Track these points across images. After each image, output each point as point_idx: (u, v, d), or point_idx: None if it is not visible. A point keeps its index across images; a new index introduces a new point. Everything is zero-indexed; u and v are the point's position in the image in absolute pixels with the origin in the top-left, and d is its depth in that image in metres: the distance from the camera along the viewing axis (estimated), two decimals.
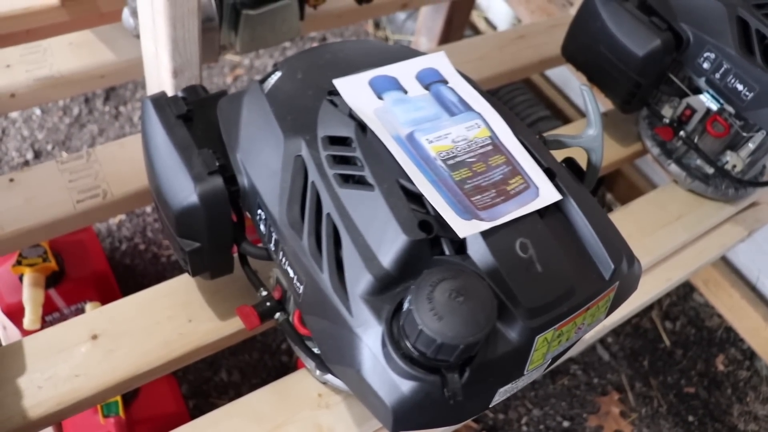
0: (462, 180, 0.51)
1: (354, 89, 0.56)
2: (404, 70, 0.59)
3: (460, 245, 0.49)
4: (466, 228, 0.48)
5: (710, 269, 1.42)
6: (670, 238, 0.95)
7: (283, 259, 0.54)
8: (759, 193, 1.05)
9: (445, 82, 0.60)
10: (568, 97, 1.69)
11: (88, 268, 1.11)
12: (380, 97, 0.56)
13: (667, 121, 0.96)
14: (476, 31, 1.90)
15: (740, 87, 0.84)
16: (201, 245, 0.60)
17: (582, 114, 1.65)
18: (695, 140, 0.95)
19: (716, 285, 1.44)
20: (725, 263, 1.47)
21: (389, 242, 0.47)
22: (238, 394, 1.21)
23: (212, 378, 1.27)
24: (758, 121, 0.85)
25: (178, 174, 0.58)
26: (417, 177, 0.50)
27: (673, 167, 0.99)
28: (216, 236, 0.60)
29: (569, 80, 1.68)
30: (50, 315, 1.09)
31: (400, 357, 0.44)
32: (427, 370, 0.45)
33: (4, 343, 1.09)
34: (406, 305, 0.44)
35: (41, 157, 1.52)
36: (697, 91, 0.91)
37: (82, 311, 1.09)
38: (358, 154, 0.52)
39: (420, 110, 0.56)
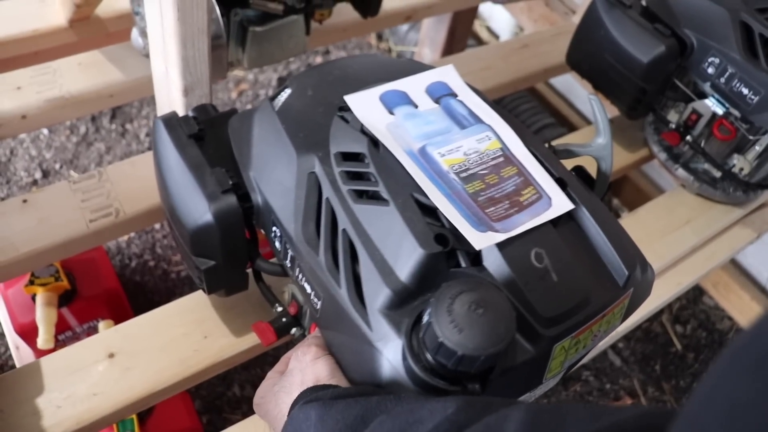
0: (475, 192, 0.51)
1: (365, 105, 0.57)
2: (414, 85, 0.60)
3: (475, 257, 0.49)
4: (481, 240, 0.48)
5: (720, 272, 1.42)
6: (679, 242, 0.95)
7: (300, 275, 0.54)
8: (767, 195, 1.05)
9: (454, 95, 0.60)
10: (572, 105, 1.70)
11: (100, 287, 1.12)
12: (391, 112, 0.57)
13: (673, 126, 0.96)
14: (479, 41, 1.91)
15: (745, 91, 0.85)
16: (216, 263, 0.60)
17: (587, 120, 1.65)
18: (702, 144, 0.95)
19: (726, 287, 1.44)
20: (734, 266, 1.47)
21: (406, 256, 0.47)
22: (252, 409, 1.21)
23: (225, 393, 1.27)
24: (764, 124, 0.86)
25: (192, 193, 0.58)
26: (431, 191, 0.50)
27: (681, 172, 0.99)
28: (231, 254, 0.60)
29: (573, 88, 1.69)
30: (63, 334, 1.09)
31: (420, 369, 0.45)
32: (448, 381, 0.45)
33: (17, 363, 1.10)
34: (425, 318, 0.44)
35: (49, 176, 1.53)
36: (703, 95, 0.91)
37: (94, 329, 1.10)
38: (371, 170, 0.52)
39: (431, 124, 0.56)
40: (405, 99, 0.58)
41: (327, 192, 0.53)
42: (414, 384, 0.46)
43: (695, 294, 1.56)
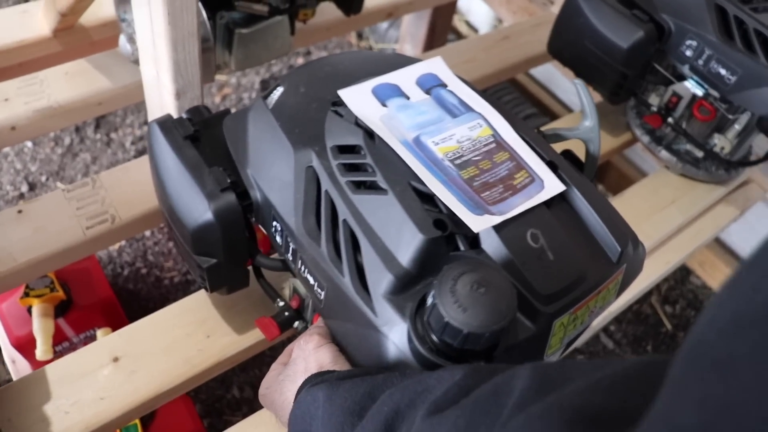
0: (470, 178, 0.53)
1: (358, 98, 0.58)
2: (405, 77, 0.61)
3: (473, 240, 0.51)
4: (478, 223, 0.50)
5: (705, 251, 1.45)
6: (666, 222, 0.98)
7: (302, 268, 0.55)
8: (748, 173, 1.08)
9: (444, 85, 0.62)
10: (553, 94, 1.72)
11: (95, 296, 1.12)
12: (384, 105, 0.58)
13: (654, 109, 0.98)
14: (458, 35, 1.93)
15: (723, 71, 0.87)
16: (218, 261, 0.61)
17: (569, 109, 1.68)
18: (683, 126, 0.97)
19: (712, 266, 1.47)
20: (719, 244, 1.50)
21: (407, 242, 0.49)
22: (252, 410, 1.21)
23: (224, 396, 1.27)
24: (743, 102, 0.88)
25: (191, 193, 0.59)
26: (428, 178, 0.52)
27: (664, 153, 1.01)
28: (232, 251, 0.61)
29: (553, 77, 1.71)
30: (60, 345, 1.09)
31: (426, 350, 0.46)
32: (453, 360, 0.46)
33: (14, 377, 1.10)
34: (430, 300, 0.45)
35: (36, 189, 1.52)
36: (682, 78, 0.94)
37: (91, 339, 1.10)
38: (368, 161, 0.54)
39: (423, 114, 0.58)
40: (397, 91, 0.60)
41: (326, 185, 0.54)
42: (420, 365, 0.47)
43: (683, 274, 1.59)
